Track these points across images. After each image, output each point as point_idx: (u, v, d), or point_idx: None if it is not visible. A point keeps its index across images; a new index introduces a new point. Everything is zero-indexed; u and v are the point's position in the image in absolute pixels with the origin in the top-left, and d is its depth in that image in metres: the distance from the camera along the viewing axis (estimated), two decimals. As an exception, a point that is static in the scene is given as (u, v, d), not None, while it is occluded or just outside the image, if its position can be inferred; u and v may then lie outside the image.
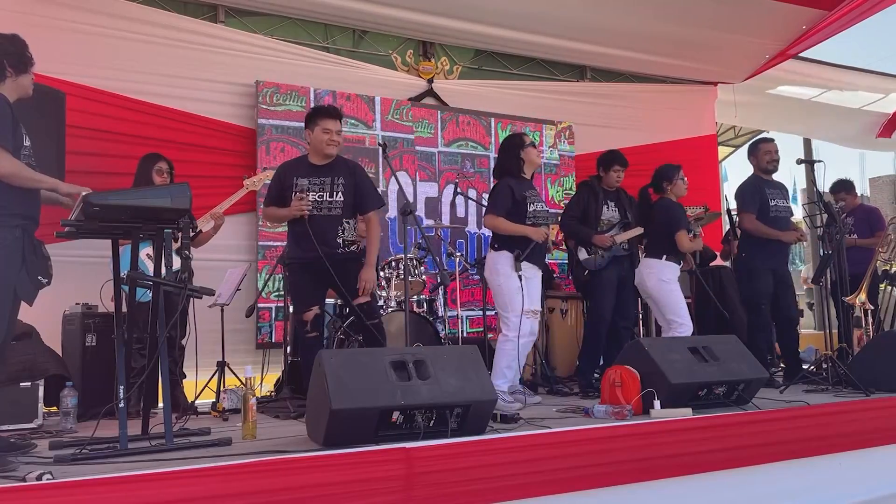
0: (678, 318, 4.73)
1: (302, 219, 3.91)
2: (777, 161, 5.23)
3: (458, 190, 6.10)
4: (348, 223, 4.01)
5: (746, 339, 4.91)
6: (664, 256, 4.81)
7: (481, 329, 5.76)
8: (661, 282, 4.78)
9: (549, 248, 4.68)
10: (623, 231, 4.93)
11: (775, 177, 5.32)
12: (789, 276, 5.23)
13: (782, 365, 5.84)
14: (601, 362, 5.00)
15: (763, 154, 5.23)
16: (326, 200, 3.96)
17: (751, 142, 5.45)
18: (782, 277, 5.15)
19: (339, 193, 3.99)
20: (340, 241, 3.97)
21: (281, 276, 4.84)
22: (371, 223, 4.07)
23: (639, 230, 4.97)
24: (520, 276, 4.20)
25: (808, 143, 10.85)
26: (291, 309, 4.47)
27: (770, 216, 5.10)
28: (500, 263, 4.27)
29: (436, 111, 6.67)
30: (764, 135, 8.96)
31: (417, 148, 6.50)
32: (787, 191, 5.32)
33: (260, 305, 5.58)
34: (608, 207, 4.94)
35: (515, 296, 4.19)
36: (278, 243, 5.42)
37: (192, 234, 3.05)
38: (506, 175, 4.42)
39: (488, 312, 5.27)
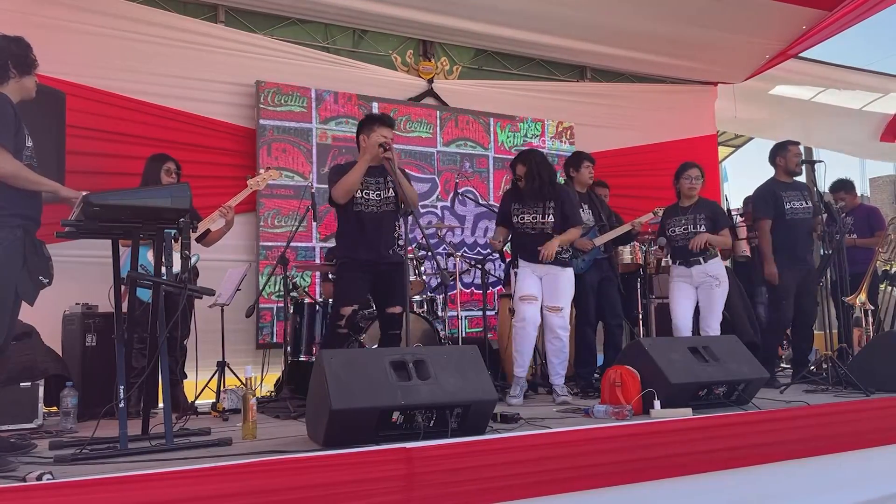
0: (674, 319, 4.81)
1: (361, 215, 3.91)
2: (803, 162, 5.21)
3: (458, 191, 6.08)
4: (399, 222, 4.03)
5: (761, 336, 4.92)
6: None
7: (480, 329, 5.75)
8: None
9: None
10: (600, 234, 5.03)
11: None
12: (809, 276, 5.08)
13: (783, 365, 5.85)
14: (599, 362, 5.04)
15: (793, 156, 5.17)
16: (384, 197, 3.98)
17: (777, 143, 5.35)
18: (804, 278, 5.05)
19: (391, 190, 4.00)
20: (396, 234, 4.00)
21: (282, 277, 4.81)
22: None
23: (617, 232, 5.04)
24: (515, 273, 4.40)
25: (809, 142, 10.84)
26: (331, 302, 4.41)
27: (786, 220, 5.04)
28: None
29: (434, 111, 6.65)
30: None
31: (416, 148, 6.49)
32: (808, 190, 5.21)
33: (261, 306, 5.58)
34: (583, 211, 5.01)
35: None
36: (279, 243, 5.42)
37: (192, 233, 3.05)
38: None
39: (488, 313, 5.28)
